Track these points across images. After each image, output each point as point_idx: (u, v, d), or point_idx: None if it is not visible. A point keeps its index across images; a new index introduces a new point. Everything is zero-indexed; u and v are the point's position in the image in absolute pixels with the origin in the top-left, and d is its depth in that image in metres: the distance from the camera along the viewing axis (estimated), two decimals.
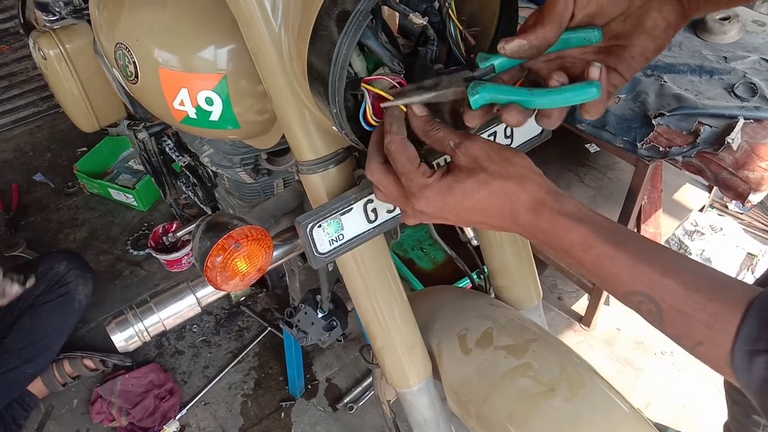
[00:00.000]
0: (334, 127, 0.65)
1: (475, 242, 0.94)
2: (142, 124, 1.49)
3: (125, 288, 2.21)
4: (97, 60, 1.21)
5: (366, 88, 0.60)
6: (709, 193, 2.08)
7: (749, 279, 1.95)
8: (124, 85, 0.95)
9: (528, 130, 0.80)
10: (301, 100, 0.67)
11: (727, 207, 2.18)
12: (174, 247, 2.14)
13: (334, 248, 0.71)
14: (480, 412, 0.82)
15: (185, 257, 2.16)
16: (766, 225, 2.13)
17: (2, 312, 1.78)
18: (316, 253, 0.71)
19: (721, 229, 2.03)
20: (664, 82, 1.41)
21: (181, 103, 0.83)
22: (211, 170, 1.40)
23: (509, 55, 0.54)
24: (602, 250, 0.52)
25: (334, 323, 0.92)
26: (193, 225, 1.62)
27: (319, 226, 0.69)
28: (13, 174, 2.73)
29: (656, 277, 0.51)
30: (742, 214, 2.16)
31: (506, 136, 0.79)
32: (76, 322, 1.91)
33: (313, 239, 0.69)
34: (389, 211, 0.74)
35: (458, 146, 0.57)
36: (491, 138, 0.76)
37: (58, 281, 1.85)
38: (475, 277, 1.07)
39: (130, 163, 2.60)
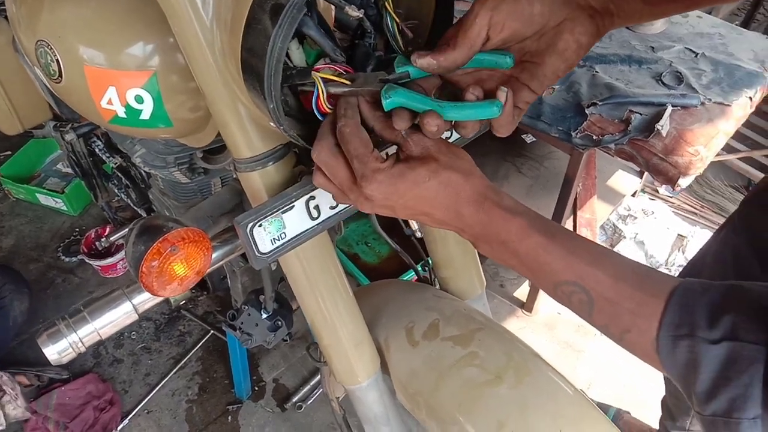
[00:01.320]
0: (271, 123, 0.63)
1: (419, 234, 0.94)
2: (69, 125, 1.42)
3: (58, 297, 2.11)
4: (18, 58, 1.15)
5: (317, 76, 0.59)
6: (641, 178, 2.16)
7: (680, 259, 2.04)
8: (47, 84, 0.90)
9: None
10: (236, 95, 0.66)
11: (657, 191, 2.27)
12: (108, 252, 2.06)
13: (277, 248, 0.70)
14: (429, 403, 0.82)
15: (120, 262, 2.08)
16: (694, 207, 2.24)
17: None
18: (257, 254, 0.69)
19: (653, 212, 2.11)
20: (596, 72, 1.45)
21: (109, 102, 0.79)
22: (144, 171, 1.35)
23: (420, 69, 0.58)
24: (537, 240, 0.55)
25: (279, 323, 0.91)
26: (127, 228, 1.56)
27: (260, 226, 0.67)
28: None
29: (586, 267, 0.54)
30: (671, 197, 2.26)
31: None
32: (11, 339, 1.82)
33: (254, 239, 0.68)
34: (332, 207, 0.73)
35: (410, 135, 0.58)
36: None
37: None
38: (420, 269, 1.08)
39: (58, 166, 2.49)
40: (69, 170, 2.42)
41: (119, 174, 1.49)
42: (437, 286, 1.01)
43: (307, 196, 0.70)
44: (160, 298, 0.90)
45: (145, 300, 0.89)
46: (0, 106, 1.40)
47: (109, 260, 2.03)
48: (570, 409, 0.77)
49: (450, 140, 0.79)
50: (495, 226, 0.57)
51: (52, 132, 1.50)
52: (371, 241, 2.14)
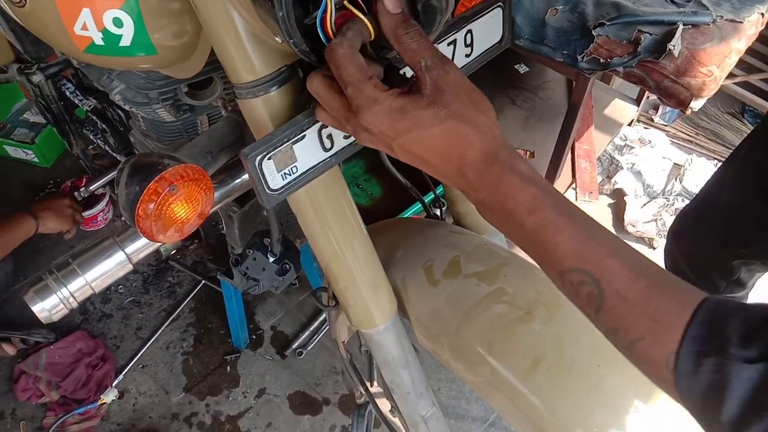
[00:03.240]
0: (277, 38, 0.55)
1: None
2: (35, 66, 1.31)
3: (36, 253, 2.01)
4: None
5: None
6: (638, 107, 2.10)
7: (677, 188, 2.00)
8: (10, 11, 0.79)
9: (488, 38, 0.73)
10: (234, 6, 0.57)
11: (652, 120, 2.22)
12: (87, 204, 1.96)
13: (288, 183, 0.63)
14: (454, 344, 0.78)
15: (101, 213, 1.98)
16: (689, 135, 2.19)
17: None
18: (268, 191, 0.61)
19: (650, 141, 2.06)
20: None
21: (84, 27, 0.70)
22: (123, 112, 1.25)
23: None
24: (548, 216, 0.48)
25: (287, 266, 0.84)
26: (108, 176, 1.46)
27: (269, 159, 0.60)
28: None
29: (602, 255, 0.46)
30: (666, 126, 2.21)
31: (466, 45, 0.71)
32: None
33: (263, 174, 0.60)
34: (346, 137, 0.65)
35: (430, 69, 0.50)
36: (451, 47, 0.69)
37: None
38: (429, 205, 1.01)
39: (25, 115, 2.34)
40: (37, 119, 2.28)
41: (94, 118, 1.39)
42: (451, 222, 0.96)
43: (319, 124, 0.62)
44: (156, 246, 0.83)
45: (139, 248, 0.82)
46: None
47: (89, 212, 1.93)
48: (606, 343, 0.73)
49: (473, 54, 0.72)
50: (502, 194, 0.49)
51: (16, 76, 1.38)
52: (362, 182, 2.07)
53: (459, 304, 0.78)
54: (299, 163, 0.62)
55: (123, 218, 0.72)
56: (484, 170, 0.49)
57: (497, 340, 0.74)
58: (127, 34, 0.70)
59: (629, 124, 2.14)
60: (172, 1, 0.69)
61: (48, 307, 0.77)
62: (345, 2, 0.52)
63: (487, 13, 0.70)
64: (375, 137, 0.52)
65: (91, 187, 1.53)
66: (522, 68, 2.12)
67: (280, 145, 0.60)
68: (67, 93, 1.37)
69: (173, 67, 0.82)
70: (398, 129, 0.50)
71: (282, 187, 0.62)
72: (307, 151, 0.62)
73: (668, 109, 2.21)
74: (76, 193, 1.88)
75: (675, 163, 2.08)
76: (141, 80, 0.94)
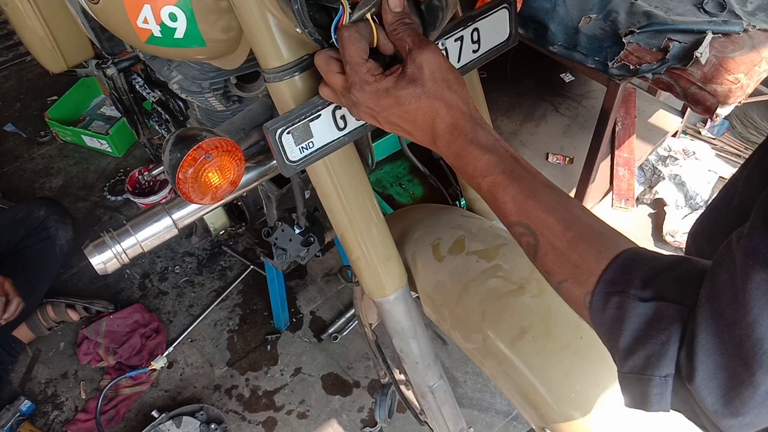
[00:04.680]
0: (297, 28, 0.65)
1: None
2: (110, 61, 1.47)
3: (95, 222, 2.21)
4: None
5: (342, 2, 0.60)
6: (682, 118, 2.10)
7: None
8: (87, 7, 0.93)
9: (494, 36, 0.81)
10: (264, 4, 0.67)
11: (699, 132, 2.21)
12: (152, 190, 2.13)
13: (305, 156, 0.72)
14: (454, 313, 0.85)
15: (164, 199, 2.15)
16: (737, 149, 2.17)
17: None
18: (286, 161, 0.71)
19: (694, 153, 2.06)
20: (635, 0, 1.41)
21: (145, 21, 0.82)
22: (181, 102, 1.39)
23: None
24: (498, 179, 0.57)
25: (312, 239, 0.94)
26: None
27: (288, 133, 0.70)
28: None
29: (539, 212, 0.55)
30: (714, 139, 2.19)
31: (473, 41, 0.79)
32: (59, 268, 1.92)
33: (282, 146, 0.70)
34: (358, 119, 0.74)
35: (411, 52, 0.60)
36: (458, 43, 0.77)
37: (38, 226, 1.84)
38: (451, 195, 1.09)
39: (102, 110, 2.56)
40: (112, 113, 2.49)
41: (159, 109, 1.53)
42: (464, 207, 1.03)
43: (334, 106, 0.71)
44: (199, 214, 0.94)
45: (183, 215, 0.93)
46: (45, 45, 1.45)
47: (153, 198, 2.10)
48: None
49: (479, 51, 0.79)
50: (462, 160, 0.59)
51: (94, 71, 1.55)
52: (405, 182, 2.16)
53: (460, 277, 0.85)
54: (315, 139, 0.72)
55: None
56: (450, 140, 0.60)
57: (490, 310, 0.81)
58: (180, 28, 0.82)
59: (674, 135, 2.15)
60: (221, 1, 0.80)
61: (104, 260, 0.90)
62: (367, 16, 0.62)
63: (492, 13, 0.78)
64: (362, 111, 0.63)
65: (154, 172, 1.68)
66: (567, 77, 2.16)
67: (298, 122, 0.70)
68: (137, 86, 1.52)
69: (221, 59, 0.93)
70: (383, 105, 0.60)
71: (300, 159, 0.72)
72: (323, 128, 0.72)
73: (717, 122, 2.20)
74: (140, 176, 2.06)
75: (720, 177, 2.06)
76: (195, 71, 1.06)
